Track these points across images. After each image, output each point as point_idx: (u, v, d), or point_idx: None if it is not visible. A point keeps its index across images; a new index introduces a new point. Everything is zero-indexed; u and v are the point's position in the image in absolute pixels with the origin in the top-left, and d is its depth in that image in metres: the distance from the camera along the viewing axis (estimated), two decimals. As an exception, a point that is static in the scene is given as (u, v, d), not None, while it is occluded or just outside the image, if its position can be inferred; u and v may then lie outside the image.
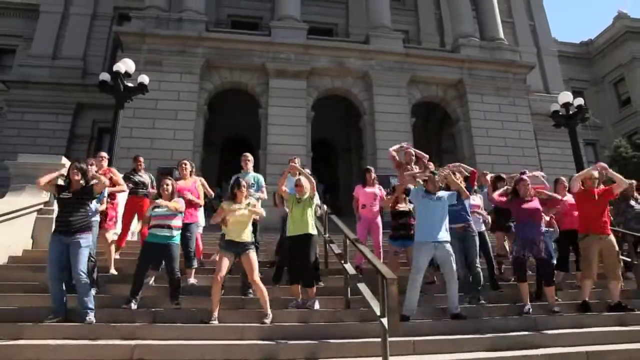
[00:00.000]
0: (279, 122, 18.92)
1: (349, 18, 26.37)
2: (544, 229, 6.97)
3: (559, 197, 7.49)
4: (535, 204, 6.79)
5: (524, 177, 7.20)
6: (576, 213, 7.34)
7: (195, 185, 7.63)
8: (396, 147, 9.13)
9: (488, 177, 8.42)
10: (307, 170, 7.01)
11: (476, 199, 7.88)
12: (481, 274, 6.90)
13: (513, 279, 7.33)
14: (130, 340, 5.06)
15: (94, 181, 6.02)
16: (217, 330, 5.43)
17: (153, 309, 5.94)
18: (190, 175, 7.71)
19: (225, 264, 5.93)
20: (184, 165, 7.66)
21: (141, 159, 8.94)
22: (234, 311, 6.02)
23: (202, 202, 7.72)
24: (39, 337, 5.06)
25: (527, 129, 21.15)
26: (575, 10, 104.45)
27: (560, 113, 15.42)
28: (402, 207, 7.56)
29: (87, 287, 5.57)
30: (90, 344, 4.98)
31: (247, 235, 6.08)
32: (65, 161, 8.99)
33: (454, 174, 6.97)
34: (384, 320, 4.63)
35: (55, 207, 6.10)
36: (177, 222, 6.39)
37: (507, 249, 8.28)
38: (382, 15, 21.98)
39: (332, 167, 24.90)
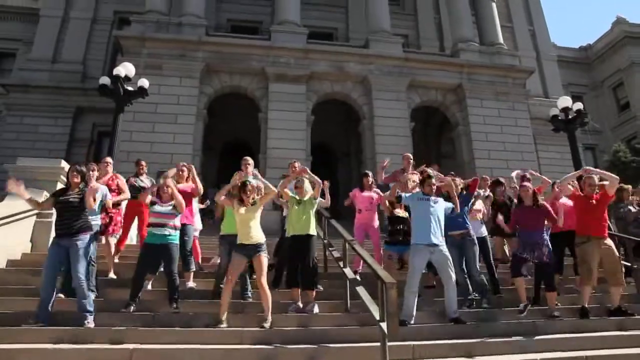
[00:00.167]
0: (279, 126, 18.93)
1: (349, 22, 26.40)
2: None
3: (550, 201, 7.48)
4: (539, 211, 6.77)
5: (526, 183, 7.21)
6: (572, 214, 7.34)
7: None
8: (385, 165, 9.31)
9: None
10: (316, 178, 6.90)
11: (478, 203, 7.86)
12: (484, 280, 6.89)
13: (512, 283, 7.31)
14: (129, 344, 5.04)
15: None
16: (216, 334, 5.41)
17: (152, 313, 5.93)
18: (187, 180, 7.72)
19: (237, 267, 5.95)
20: (181, 173, 7.68)
21: (143, 163, 8.94)
22: (233, 315, 6.00)
23: (201, 190, 7.76)
24: (37, 341, 5.03)
25: (526, 133, 21.15)
26: (574, 15, 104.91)
27: (560, 117, 15.45)
28: (400, 212, 7.53)
29: (86, 291, 5.55)
30: (88, 348, 4.96)
31: (256, 236, 6.05)
32: (65, 165, 9.00)
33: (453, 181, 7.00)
34: (383, 325, 4.62)
35: (54, 210, 6.08)
36: (176, 221, 6.39)
37: (507, 254, 8.28)
38: (381, 20, 22.03)
39: (331, 171, 24.85)
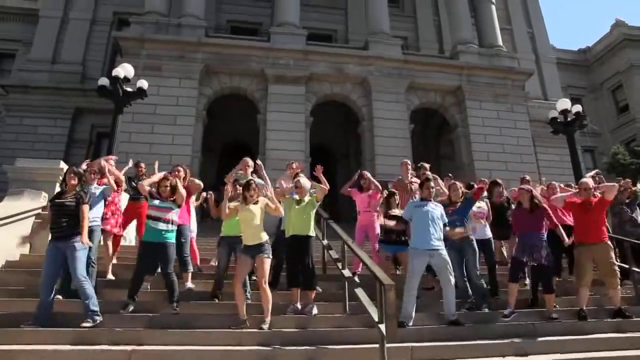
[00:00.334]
0: (278, 127, 18.95)
1: (348, 24, 26.45)
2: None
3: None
4: (538, 213, 6.77)
5: (525, 186, 7.22)
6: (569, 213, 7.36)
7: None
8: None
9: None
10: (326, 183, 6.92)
11: (482, 206, 7.86)
12: (484, 284, 6.88)
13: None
14: (127, 345, 5.04)
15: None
16: (214, 336, 5.42)
17: (150, 314, 5.92)
18: (184, 181, 7.71)
19: (244, 268, 5.99)
20: (177, 173, 7.67)
21: (142, 165, 8.95)
22: (232, 316, 6.00)
23: (201, 184, 7.99)
24: (36, 342, 5.03)
25: (525, 135, 21.18)
26: (573, 17, 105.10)
27: (559, 120, 15.49)
28: (395, 212, 7.53)
29: (88, 291, 5.54)
30: (87, 349, 4.96)
31: (260, 235, 6.06)
32: (64, 166, 8.99)
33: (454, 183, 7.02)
34: (382, 326, 4.63)
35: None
36: (173, 216, 6.38)
37: (505, 255, 8.28)
38: (381, 22, 22.07)
39: (330, 173, 24.83)
